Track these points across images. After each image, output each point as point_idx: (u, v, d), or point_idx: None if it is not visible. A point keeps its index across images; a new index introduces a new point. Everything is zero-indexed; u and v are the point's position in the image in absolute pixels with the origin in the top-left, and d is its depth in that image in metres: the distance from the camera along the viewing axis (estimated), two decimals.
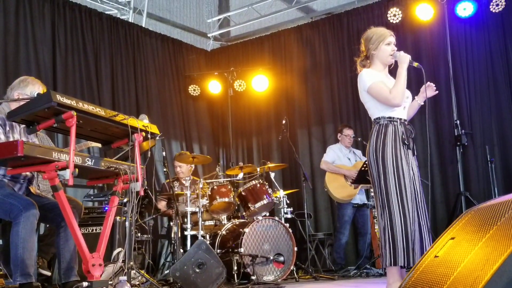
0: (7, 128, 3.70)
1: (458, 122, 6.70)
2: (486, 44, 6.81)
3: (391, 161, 3.44)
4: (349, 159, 6.67)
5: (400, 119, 3.58)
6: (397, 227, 3.35)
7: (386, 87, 3.53)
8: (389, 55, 3.63)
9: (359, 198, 6.58)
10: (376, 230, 5.97)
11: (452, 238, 1.97)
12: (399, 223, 3.36)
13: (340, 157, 6.65)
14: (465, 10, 6.69)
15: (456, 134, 6.67)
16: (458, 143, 6.65)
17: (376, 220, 5.89)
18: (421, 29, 7.07)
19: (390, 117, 3.56)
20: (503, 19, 6.70)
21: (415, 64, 3.63)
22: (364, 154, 7.00)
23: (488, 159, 6.40)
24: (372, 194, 6.10)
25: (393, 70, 3.70)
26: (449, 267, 1.76)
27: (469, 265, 1.65)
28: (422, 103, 3.79)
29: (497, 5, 6.47)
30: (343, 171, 6.50)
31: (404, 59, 3.57)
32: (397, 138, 3.50)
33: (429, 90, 3.75)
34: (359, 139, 6.83)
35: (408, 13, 6.96)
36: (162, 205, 6.37)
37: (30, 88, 3.76)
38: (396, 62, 3.66)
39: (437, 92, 3.84)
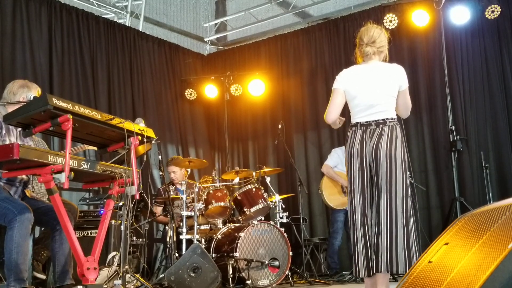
0: (3, 131, 3.71)
1: (453, 128, 6.73)
2: (482, 50, 6.85)
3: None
4: None
5: None
6: (414, 233, 3.33)
7: None
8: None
9: None
10: None
11: (446, 244, 1.98)
12: (414, 229, 3.35)
13: (343, 161, 6.62)
14: (461, 16, 6.72)
15: (451, 140, 6.70)
16: (453, 149, 6.67)
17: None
18: (417, 35, 7.10)
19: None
20: (499, 26, 6.74)
21: None
22: None
23: (483, 165, 6.43)
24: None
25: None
26: (443, 272, 1.77)
27: (463, 270, 1.66)
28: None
29: (493, 11, 6.50)
30: (342, 181, 6.44)
31: None
32: None
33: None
34: None
35: (404, 19, 6.98)
36: (158, 210, 6.36)
37: (33, 92, 3.77)
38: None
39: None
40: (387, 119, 3.45)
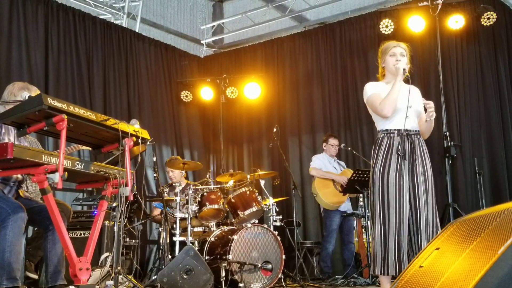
0: (3, 131, 3.71)
1: (447, 133, 6.75)
2: (477, 57, 6.89)
3: (378, 175, 3.53)
4: (334, 168, 6.69)
5: (399, 130, 3.56)
6: (377, 237, 3.45)
7: (379, 98, 3.56)
8: (393, 65, 3.67)
9: (346, 206, 6.60)
10: (364, 240, 5.99)
11: (437, 249, 2.00)
12: (379, 234, 3.46)
13: (326, 166, 6.67)
14: (456, 23, 6.75)
15: (445, 145, 6.72)
16: (447, 155, 6.69)
17: (365, 230, 5.91)
18: (413, 41, 7.08)
19: (386, 130, 3.60)
20: (494, 33, 6.78)
21: (406, 74, 3.63)
22: (347, 165, 7.05)
23: (477, 171, 6.45)
24: (361, 203, 6.14)
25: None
26: (433, 277, 1.78)
27: (452, 275, 1.67)
28: (428, 120, 3.62)
29: (488, 18, 6.54)
30: (333, 176, 6.51)
31: (398, 71, 3.58)
32: (389, 150, 3.52)
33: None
34: (349, 148, 6.86)
35: (400, 25, 7.01)
36: (157, 210, 6.41)
37: (32, 94, 3.76)
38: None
39: (432, 115, 3.60)
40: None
